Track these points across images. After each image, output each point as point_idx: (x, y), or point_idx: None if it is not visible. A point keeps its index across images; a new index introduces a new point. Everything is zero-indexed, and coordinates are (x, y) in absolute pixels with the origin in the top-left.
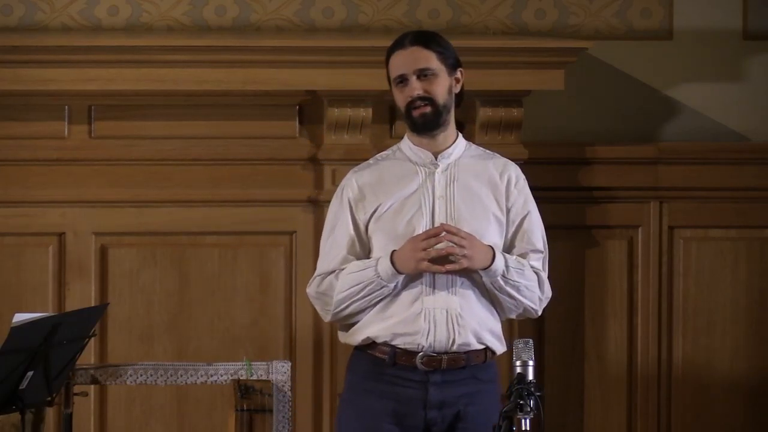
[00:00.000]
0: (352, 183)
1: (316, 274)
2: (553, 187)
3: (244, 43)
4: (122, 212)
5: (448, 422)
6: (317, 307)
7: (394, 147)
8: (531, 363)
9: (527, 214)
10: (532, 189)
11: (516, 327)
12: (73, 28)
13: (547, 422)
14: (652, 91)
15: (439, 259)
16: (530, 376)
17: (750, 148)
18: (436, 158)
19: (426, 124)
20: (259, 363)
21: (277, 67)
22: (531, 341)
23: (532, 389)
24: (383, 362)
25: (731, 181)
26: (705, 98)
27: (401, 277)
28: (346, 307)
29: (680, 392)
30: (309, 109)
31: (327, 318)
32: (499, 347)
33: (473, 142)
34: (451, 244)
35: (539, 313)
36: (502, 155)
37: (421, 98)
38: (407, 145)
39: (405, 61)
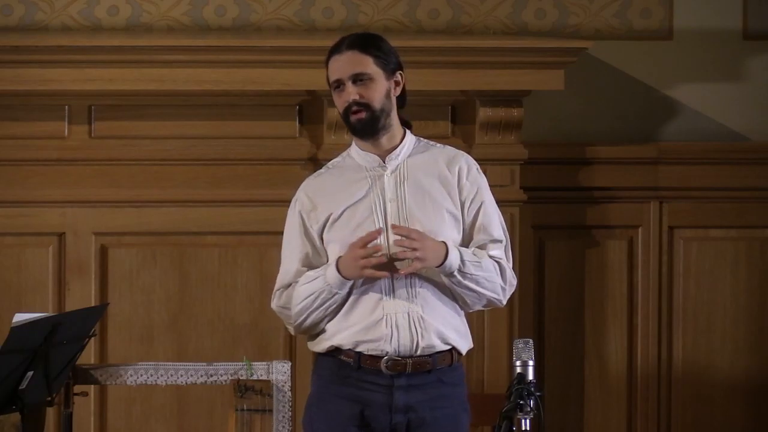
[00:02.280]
0: (302, 195)
1: (275, 288)
2: (553, 187)
3: (244, 43)
4: (122, 212)
5: (415, 427)
6: (284, 322)
7: (344, 153)
8: (531, 363)
9: (481, 205)
10: (533, 189)
11: (516, 327)
12: (73, 28)
13: (547, 422)
14: (652, 91)
15: (388, 263)
16: (530, 376)
17: (750, 148)
18: (383, 161)
19: (364, 128)
20: (259, 363)
21: (277, 67)
22: (531, 341)
23: (532, 389)
24: (348, 366)
25: (731, 181)
26: (705, 98)
27: (350, 283)
28: (305, 318)
29: (680, 392)
30: (309, 109)
31: (292, 331)
32: (464, 345)
33: (473, 143)
34: (402, 247)
35: (504, 302)
36: (500, 155)
37: (356, 103)
38: (355, 150)
39: (341, 65)
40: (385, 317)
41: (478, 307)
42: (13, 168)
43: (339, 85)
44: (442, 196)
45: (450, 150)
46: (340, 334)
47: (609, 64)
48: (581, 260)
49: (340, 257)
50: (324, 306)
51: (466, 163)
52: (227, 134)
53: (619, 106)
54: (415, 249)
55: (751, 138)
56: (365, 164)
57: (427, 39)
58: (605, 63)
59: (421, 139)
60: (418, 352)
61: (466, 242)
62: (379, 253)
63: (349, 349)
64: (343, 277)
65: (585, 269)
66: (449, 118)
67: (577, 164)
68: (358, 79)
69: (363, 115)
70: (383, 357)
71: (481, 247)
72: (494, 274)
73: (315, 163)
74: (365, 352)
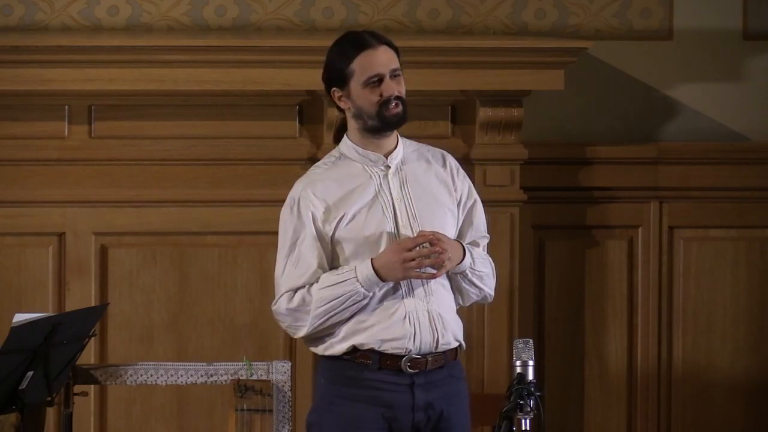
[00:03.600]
0: (309, 196)
1: (283, 290)
2: (553, 187)
3: (244, 43)
4: (122, 212)
5: (433, 423)
6: (285, 324)
7: (336, 153)
8: (531, 363)
9: (474, 202)
10: (533, 189)
11: (516, 327)
12: (73, 28)
13: (547, 422)
14: (652, 91)
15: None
16: (530, 376)
17: (750, 148)
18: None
19: (398, 123)
20: (259, 363)
21: (277, 67)
22: (531, 341)
23: (532, 389)
24: (365, 368)
25: (731, 181)
26: (705, 98)
27: (381, 285)
28: (325, 321)
29: (680, 392)
30: (309, 109)
31: (299, 334)
32: (463, 341)
33: (473, 143)
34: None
35: (492, 297)
36: (500, 155)
37: (396, 98)
38: (353, 150)
39: (380, 60)
40: (407, 315)
41: (469, 303)
42: (13, 168)
43: (377, 80)
44: (442, 195)
45: (433, 148)
46: (359, 334)
47: (609, 64)
48: (581, 260)
49: (373, 259)
50: (351, 308)
51: (453, 161)
52: (227, 134)
53: (619, 106)
54: (446, 251)
55: (751, 138)
56: (368, 164)
57: (427, 39)
58: (605, 63)
59: (406, 139)
60: (438, 349)
61: (460, 238)
62: (424, 252)
63: (368, 350)
64: (380, 278)
65: (585, 269)
66: (449, 118)
67: (577, 164)
68: (395, 74)
69: (400, 109)
70: (404, 356)
71: (473, 243)
72: (491, 271)
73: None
74: (387, 351)
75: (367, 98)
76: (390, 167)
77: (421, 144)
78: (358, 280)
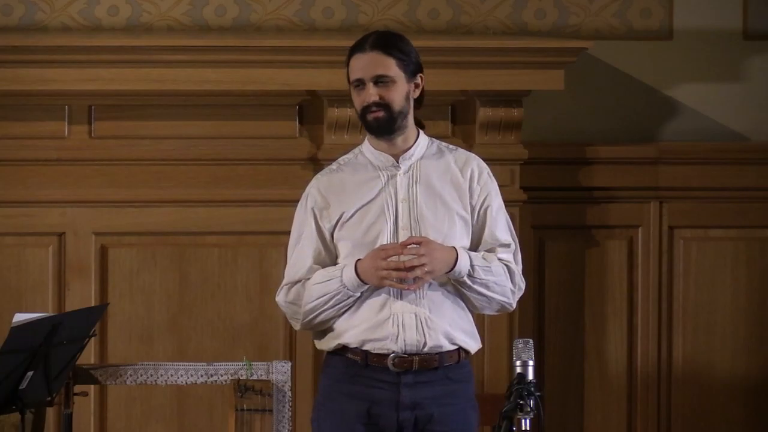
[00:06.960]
0: (315, 192)
1: (284, 283)
2: (553, 187)
3: (244, 43)
4: (122, 212)
5: (422, 424)
6: (287, 316)
7: (356, 150)
8: (531, 363)
9: (489, 209)
10: (533, 189)
11: (516, 327)
12: (73, 28)
13: (547, 422)
14: (652, 91)
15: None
16: (530, 376)
17: (750, 148)
18: (397, 161)
19: (380, 127)
20: (259, 363)
21: (277, 67)
22: (531, 341)
23: (532, 389)
24: (356, 364)
25: (731, 181)
26: (705, 98)
27: (366, 286)
28: (315, 316)
29: (680, 392)
30: (309, 109)
31: (297, 326)
32: (473, 345)
33: (473, 143)
34: (412, 255)
35: (514, 306)
36: (500, 155)
37: (376, 104)
38: (368, 149)
39: (364, 65)
40: (392, 317)
41: (489, 312)
42: (13, 168)
43: (359, 84)
44: (453, 200)
45: (462, 153)
46: (347, 332)
47: (609, 64)
48: (581, 260)
49: (359, 260)
50: (337, 306)
51: (477, 167)
52: (227, 134)
53: (619, 106)
54: (423, 264)
55: (751, 138)
56: (378, 163)
57: (427, 39)
58: (605, 63)
59: (434, 140)
60: (425, 350)
61: (474, 245)
62: (403, 258)
63: (356, 347)
64: (361, 280)
65: (585, 269)
66: (449, 118)
67: (577, 164)
68: (380, 80)
69: (381, 114)
70: (389, 354)
71: (490, 250)
72: (504, 278)
73: (315, 163)
74: (372, 351)
75: (355, 100)
76: (400, 167)
77: (448, 146)
78: (342, 280)
